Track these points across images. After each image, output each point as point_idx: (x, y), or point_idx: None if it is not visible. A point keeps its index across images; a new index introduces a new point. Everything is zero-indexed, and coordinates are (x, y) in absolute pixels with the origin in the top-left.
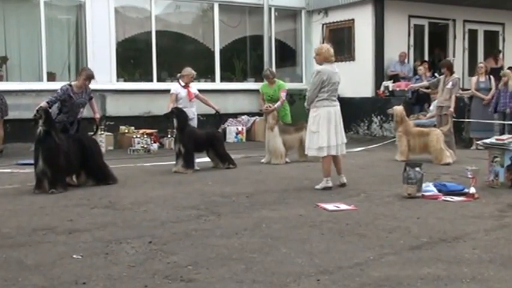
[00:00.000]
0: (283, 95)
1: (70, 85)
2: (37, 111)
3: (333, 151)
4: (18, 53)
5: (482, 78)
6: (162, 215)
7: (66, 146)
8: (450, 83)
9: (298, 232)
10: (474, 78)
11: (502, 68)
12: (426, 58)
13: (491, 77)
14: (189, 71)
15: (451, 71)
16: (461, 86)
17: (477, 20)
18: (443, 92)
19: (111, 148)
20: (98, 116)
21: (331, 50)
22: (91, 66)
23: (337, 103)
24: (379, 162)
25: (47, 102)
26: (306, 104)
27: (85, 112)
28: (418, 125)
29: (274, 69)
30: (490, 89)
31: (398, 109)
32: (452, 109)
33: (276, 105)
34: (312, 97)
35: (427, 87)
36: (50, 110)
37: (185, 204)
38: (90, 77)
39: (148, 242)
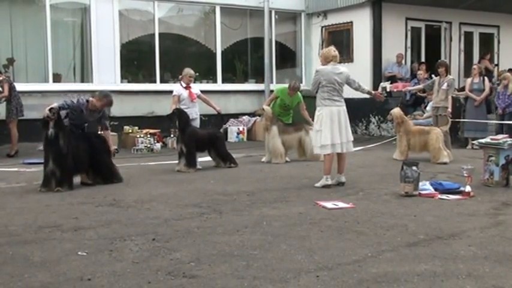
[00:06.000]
0: (303, 110)
1: (87, 101)
2: (50, 110)
3: (338, 149)
4: (25, 55)
5: (476, 80)
6: (165, 212)
7: (75, 146)
8: (445, 84)
9: (298, 229)
10: (469, 80)
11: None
12: (423, 59)
13: (485, 78)
14: (185, 71)
15: (447, 72)
16: (456, 87)
17: (473, 23)
18: (438, 92)
19: (116, 147)
20: (114, 148)
21: (332, 52)
22: (95, 68)
23: (342, 103)
24: (377, 161)
25: (58, 107)
26: None
27: None
28: (416, 125)
29: (274, 70)
30: (483, 90)
31: (397, 111)
32: (450, 109)
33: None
34: (312, 94)
35: (424, 91)
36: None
37: (187, 202)
38: (110, 103)
39: (151, 239)
